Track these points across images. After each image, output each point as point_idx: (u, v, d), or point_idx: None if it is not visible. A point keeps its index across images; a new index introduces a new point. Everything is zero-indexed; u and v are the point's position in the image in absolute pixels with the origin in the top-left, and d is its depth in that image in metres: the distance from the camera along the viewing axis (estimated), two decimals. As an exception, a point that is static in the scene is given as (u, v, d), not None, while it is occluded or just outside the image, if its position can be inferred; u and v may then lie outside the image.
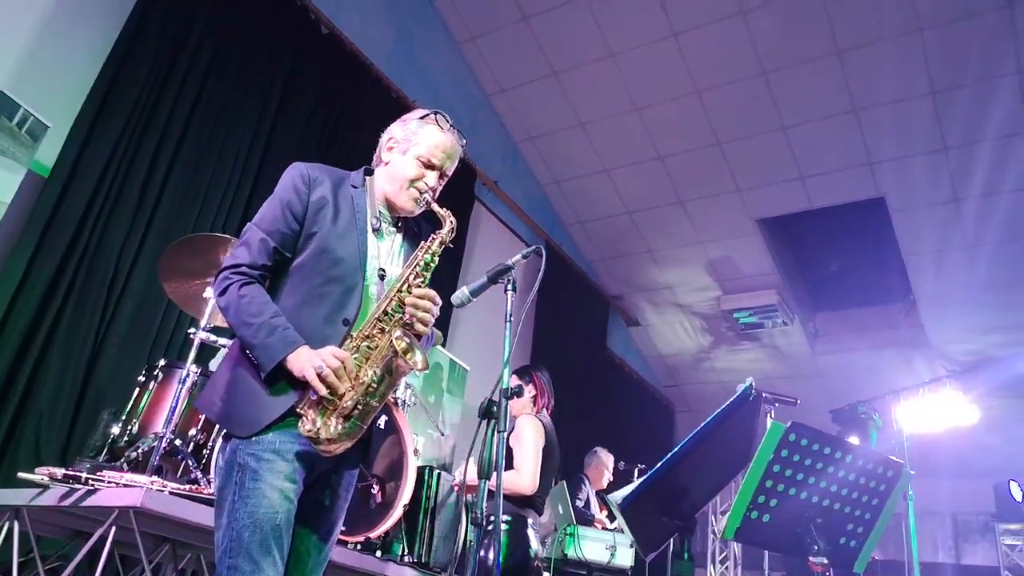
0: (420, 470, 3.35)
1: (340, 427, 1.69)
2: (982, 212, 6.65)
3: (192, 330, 3.13)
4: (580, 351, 7.94)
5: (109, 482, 2.32)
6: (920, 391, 6.07)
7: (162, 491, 2.28)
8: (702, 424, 1.59)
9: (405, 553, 3.17)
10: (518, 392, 1.64)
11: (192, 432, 3.03)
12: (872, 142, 6.46)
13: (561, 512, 3.84)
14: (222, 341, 3.22)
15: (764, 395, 2.77)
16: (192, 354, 3.07)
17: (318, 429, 1.68)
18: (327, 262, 1.87)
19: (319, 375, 1.69)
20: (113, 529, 2.25)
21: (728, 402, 1.61)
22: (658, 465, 1.52)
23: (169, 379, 3.13)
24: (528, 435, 3.50)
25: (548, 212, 8.05)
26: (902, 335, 7.83)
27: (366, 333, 1.80)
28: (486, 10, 6.58)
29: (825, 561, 1.88)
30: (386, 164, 2.07)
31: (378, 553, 3.10)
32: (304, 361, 1.72)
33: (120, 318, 3.98)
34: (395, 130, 2.11)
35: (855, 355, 8.18)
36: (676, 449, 1.55)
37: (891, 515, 2.05)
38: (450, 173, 2.10)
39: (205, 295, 3.19)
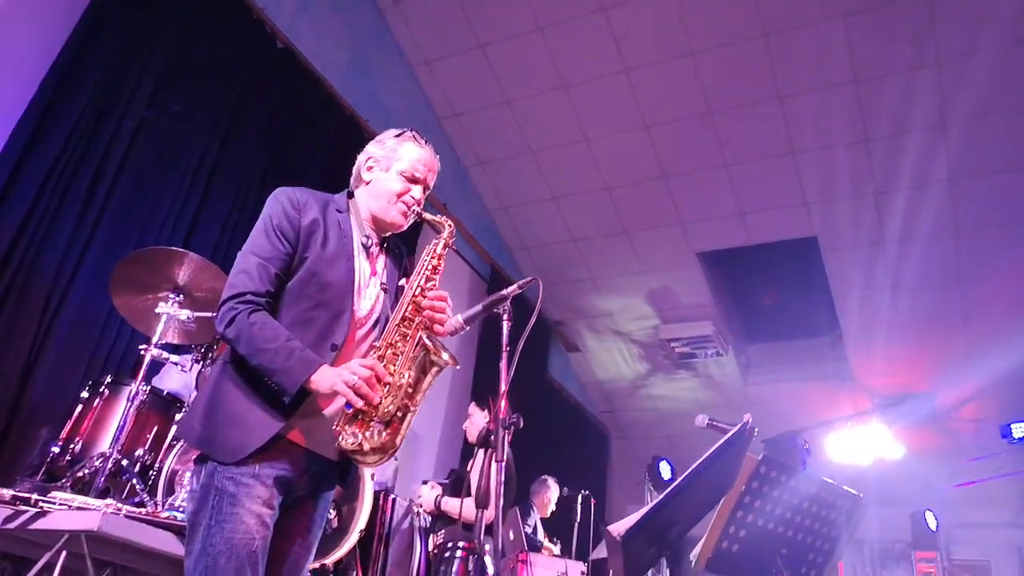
0: (375, 494, 3.31)
1: (384, 435, 1.70)
2: (905, 253, 7.04)
3: (143, 346, 3.03)
4: (521, 376, 7.95)
5: (61, 504, 2.22)
6: (848, 423, 6.33)
7: (117, 514, 2.20)
8: (703, 458, 1.65)
9: (358, 580, 3.12)
10: (516, 423, 1.67)
11: (139, 452, 2.93)
12: (808, 183, 6.77)
13: (512, 538, 3.85)
14: (173, 358, 3.13)
15: (720, 424, 2.85)
16: (142, 371, 2.96)
17: (361, 442, 1.69)
18: (316, 287, 1.87)
19: (351, 387, 1.68)
20: (63, 554, 2.15)
21: (727, 436, 1.68)
22: (660, 497, 1.56)
23: (116, 396, 3.03)
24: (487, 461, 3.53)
25: (495, 237, 8.11)
26: (829, 368, 8.17)
27: (390, 340, 1.82)
28: (442, 36, 6.64)
29: (789, 590, 1.96)
30: (367, 183, 2.09)
31: (329, 580, 3.04)
32: (332, 377, 1.72)
33: (56, 333, 3.81)
34: (373, 150, 2.14)
35: (784, 386, 8.48)
36: (678, 481, 1.60)
37: (848, 543, 2.14)
38: (431, 186, 2.14)
39: (157, 310, 3.10)
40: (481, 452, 1.67)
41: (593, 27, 6.21)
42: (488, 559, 3.20)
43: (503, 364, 1.81)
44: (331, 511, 2.96)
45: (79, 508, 2.19)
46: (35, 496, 2.24)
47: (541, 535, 5.10)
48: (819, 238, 7.11)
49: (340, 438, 1.73)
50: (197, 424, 1.79)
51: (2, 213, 3.62)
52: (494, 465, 1.63)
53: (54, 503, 2.23)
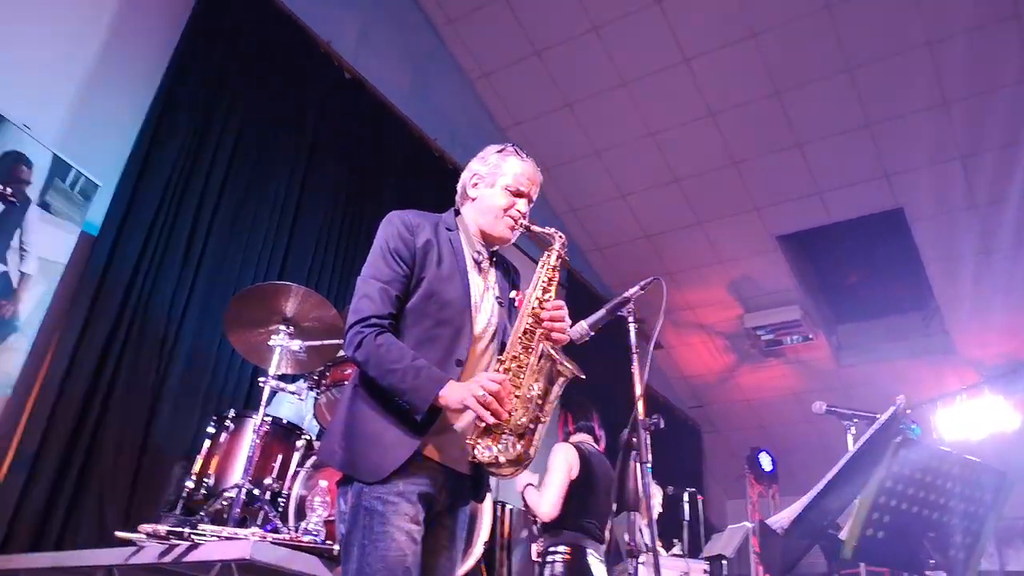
0: (493, 505, 3.37)
1: (518, 447, 1.73)
2: (997, 215, 6.75)
3: (262, 379, 3.16)
4: (607, 378, 7.95)
5: (211, 536, 2.35)
6: (957, 398, 6.09)
7: (264, 541, 2.31)
8: (859, 443, 1.63)
9: (486, 592, 3.18)
10: (656, 424, 1.68)
11: (267, 480, 3.05)
12: (887, 154, 6.57)
13: (627, 539, 3.83)
14: (289, 388, 3.25)
15: (839, 410, 2.81)
16: (263, 402, 3.10)
17: (496, 455, 1.73)
18: (435, 305, 1.92)
19: (481, 403, 1.73)
20: (217, 584, 2.27)
21: (883, 418, 1.65)
22: (819, 487, 1.56)
23: (240, 429, 3.16)
24: (555, 462, 3.57)
25: (567, 240, 8.12)
26: (927, 343, 7.89)
27: (513, 354, 1.86)
28: (497, 46, 6.72)
29: (943, 575, 1.92)
30: (473, 200, 2.15)
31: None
32: (461, 392, 1.76)
33: (174, 371, 4.02)
34: (476, 167, 2.19)
35: (881, 365, 8.22)
36: (836, 468, 1.59)
37: (996, 523, 2.08)
38: (535, 198, 2.18)
39: (271, 343, 3.22)
40: (622, 456, 1.67)
41: (648, 20, 6.18)
42: (592, 559, 3.20)
43: (635, 367, 1.82)
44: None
45: (228, 538, 2.31)
46: (187, 530, 2.36)
47: (649, 538, 5.07)
48: (905, 209, 6.88)
49: (475, 451, 1.77)
50: (337, 447, 1.86)
51: (114, 265, 3.83)
52: (638, 467, 1.64)
53: (205, 535, 2.35)
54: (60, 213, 3.57)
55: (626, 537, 4.07)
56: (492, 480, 4.96)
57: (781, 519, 1.54)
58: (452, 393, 1.77)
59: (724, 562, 5.09)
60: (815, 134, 6.60)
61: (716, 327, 8.68)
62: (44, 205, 3.51)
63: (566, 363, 1.82)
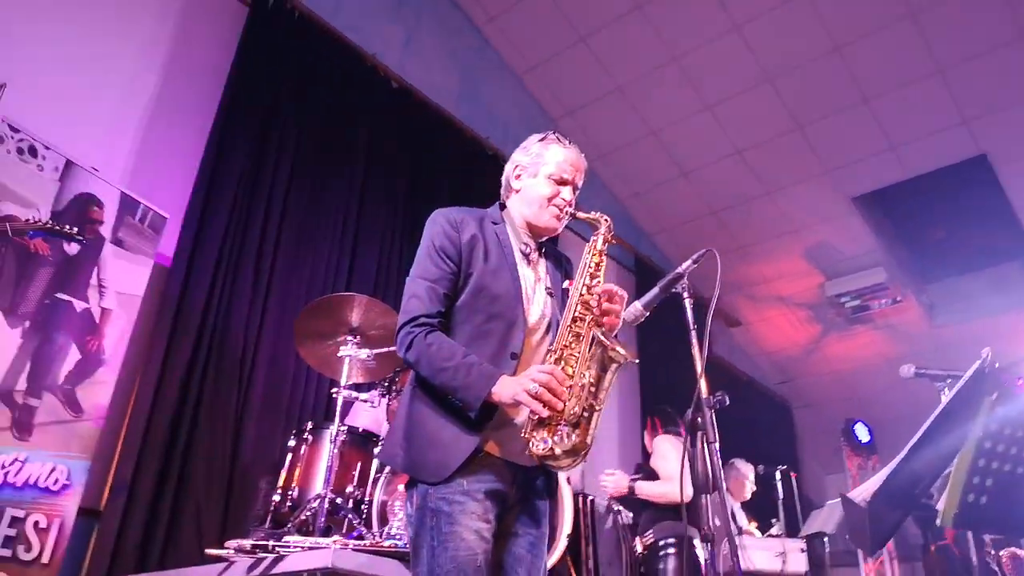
0: (574, 496, 3.33)
1: (573, 437, 1.70)
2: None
3: (334, 390, 3.21)
4: (684, 362, 7.77)
5: (295, 547, 2.39)
6: (1066, 349, 5.68)
7: (346, 549, 2.33)
8: (941, 406, 1.51)
9: (574, 584, 3.14)
10: (721, 402, 1.61)
11: (349, 488, 3.09)
12: (963, 99, 6.19)
13: (719, 524, 3.73)
14: (363, 396, 3.29)
15: (931, 372, 2.64)
16: (338, 413, 3.14)
17: (552, 447, 1.69)
18: (486, 300, 1.90)
19: (533, 396, 1.69)
20: (304, 593, 2.31)
21: (965, 378, 1.53)
22: (901, 454, 1.45)
23: (319, 440, 3.21)
24: (667, 448, 3.64)
25: (632, 225, 7.99)
26: (1027, 293, 7.41)
27: (564, 343, 1.82)
28: (541, 38, 6.65)
29: (1058, 535, 1.77)
30: (518, 192, 2.12)
31: (546, 588, 3.07)
32: (513, 387, 1.73)
33: (255, 390, 4.13)
34: (519, 157, 2.16)
35: (977, 322, 7.75)
36: (919, 434, 1.48)
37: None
38: (580, 186, 2.13)
39: (340, 354, 3.27)
40: (682, 439, 1.59)
41: (692, -9, 6.01)
42: (700, 551, 3.15)
43: (693, 344, 1.75)
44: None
45: (311, 548, 2.34)
46: (271, 543, 2.41)
47: (742, 520, 4.93)
48: (988, 156, 6.47)
49: (531, 444, 1.73)
50: (399, 449, 1.85)
51: (188, 294, 3.96)
52: (708, 447, 1.57)
53: (288, 547, 2.39)
54: (133, 248, 3.71)
55: (716, 521, 3.98)
56: (577, 472, 4.95)
57: (864, 491, 1.43)
58: (504, 389, 1.74)
59: (825, 539, 4.89)
60: (882, 87, 6.27)
61: (796, 298, 8.38)
62: (117, 242, 3.65)
63: (618, 348, 1.76)
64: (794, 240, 7.70)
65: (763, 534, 4.96)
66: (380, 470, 3.20)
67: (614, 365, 1.77)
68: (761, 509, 5.53)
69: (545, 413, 1.69)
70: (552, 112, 7.20)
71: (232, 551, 2.44)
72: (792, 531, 4.91)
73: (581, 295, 1.88)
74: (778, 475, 5.23)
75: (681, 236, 8.04)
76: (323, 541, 2.41)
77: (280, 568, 2.35)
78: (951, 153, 6.55)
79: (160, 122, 4.28)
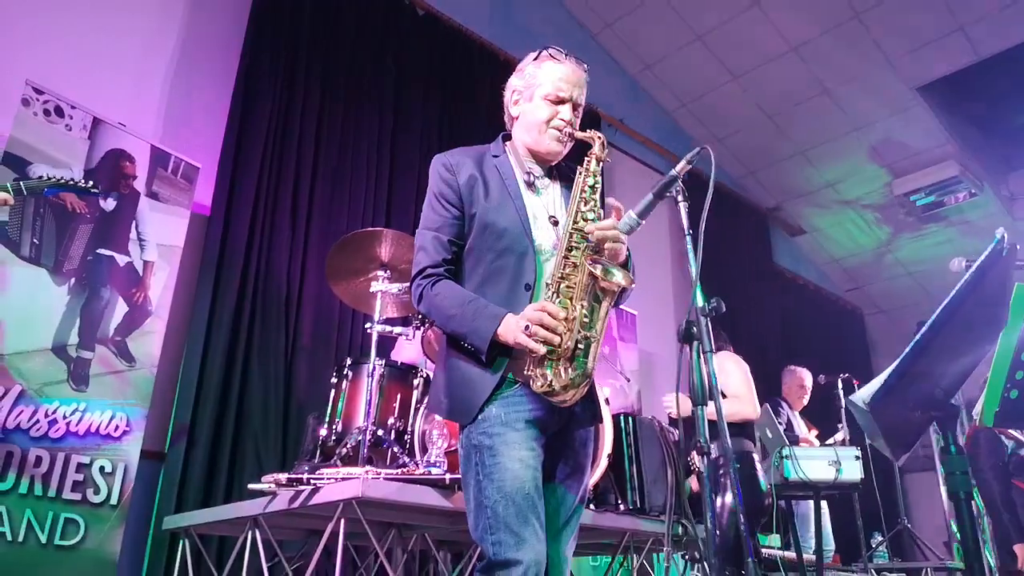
0: (615, 417, 3.28)
1: (570, 371, 1.66)
2: None
3: (368, 325, 3.22)
4: (746, 273, 7.57)
5: (328, 479, 2.43)
6: None
7: (377, 478, 2.35)
8: (950, 296, 1.37)
9: (619, 502, 3.12)
10: (717, 308, 1.50)
11: (391, 421, 3.12)
12: (1041, -36, 5.60)
13: (771, 436, 3.65)
14: (396, 331, 3.29)
15: (969, 263, 2.43)
16: (373, 348, 3.15)
17: (550, 382, 1.66)
18: (493, 236, 1.85)
19: (530, 335, 1.66)
20: (343, 521, 2.35)
21: (979, 262, 1.38)
22: (905, 351, 1.33)
23: (358, 376, 3.24)
24: (731, 366, 3.57)
25: (682, 138, 7.67)
26: (1120, 175, 6.82)
27: (560, 275, 1.75)
28: (573, -54, 6.32)
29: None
30: (516, 118, 2.02)
31: (592, 506, 3.07)
32: (512, 329, 1.71)
33: (302, 328, 4.21)
34: (514, 82, 2.05)
35: (1065, 211, 7.24)
36: (924, 329, 1.35)
37: None
38: (582, 102, 2.00)
39: (372, 289, 3.26)
40: (686, 348, 1.50)
41: None
42: (759, 468, 3.14)
43: (689, 248, 1.64)
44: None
45: (344, 479, 2.38)
46: (306, 475, 2.46)
47: (801, 429, 4.81)
48: (1071, 25, 5.87)
49: (531, 382, 1.70)
50: (442, 397, 1.86)
51: (230, 241, 4.02)
52: (703, 356, 1.47)
53: (323, 478, 2.43)
54: (168, 200, 3.76)
55: (768, 433, 3.89)
56: (635, 393, 4.85)
57: (864, 392, 1.31)
58: (507, 330, 1.70)
59: (892, 446, 4.72)
60: (947, -40, 5.73)
61: (863, 200, 7.95)
62: (152, 195, 3.70)
63: (612, 276, 1.66)
64: (856, 139, 7.25)
65: (823, 443, 4.83)
66: (420, 401, 3.22)
67: (609, 294, 1.68)
68: (822, 419, 5.38)
69: (541, 351, 1.65)
70: (591, 26, 6.90)
71: (272, 485, 2.50)
72: (857, 439, 4.76)
73: (575, 222, 1.79)
74: (839, 383, 5.05)
75: (735, 144, 7.70)
76: (356, 471, 2.44)
77: (317, 499, 2.40)
78: (1027, 28, 5.97)
79: (185, 72, 4.28)
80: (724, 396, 3.52)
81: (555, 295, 1.73)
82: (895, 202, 7.61)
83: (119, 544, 3.24)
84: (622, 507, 3.10)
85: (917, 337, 1.34)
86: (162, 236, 3.71)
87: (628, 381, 4.73)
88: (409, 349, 3.88)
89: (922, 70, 6.53)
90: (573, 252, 1.76)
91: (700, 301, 1.52)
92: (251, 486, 2.59)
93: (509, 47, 5.97)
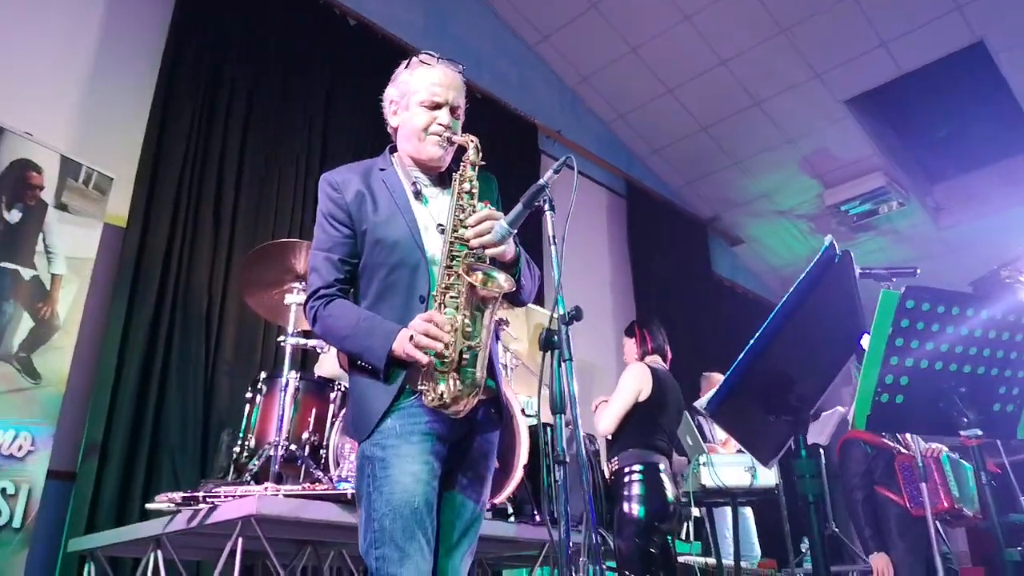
0: (532, 428, 3.28)
1: (457, 383, 1.65)
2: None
3: (281, 338, 3.16)
4: (685, 283, 7.66)
5: (225, 496, 2.36)
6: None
7: (276, 495, 2.30)
8: (782, 299, 1.39)
9: (535, 512, 3.11)
10: (576, 316, 1.50)
11: (305, 435, 3.07)
12: (955, -17, 5.80)
13: (691, 443, 3.69)
14: (311, 343, 3.24)
15: (875, 271, 2.50)
16: (287, 361, 3.09)
17: (441, 394, 1.65)
18: (384, 251, 1.84)
19: (416, 345, 1.65)
20: (240, 540, 2.29)
21: (808, 268, 1.39)
22: (739, 357, 1.34)
23: (272, 390, 3.18)
24: (625, 381, 3.62)
25: (620, 149, 7.76)
26: (1036, 187, 7.08)
27: (444, 285, 1.75)
28: (509, -41, 6.35)
29: (980, 433, 1.66)
30: (397, 129, 2.01)
31: (511, 518, 3.05)
32: (403, 341, 1.69)
33: (224, 341, 4.11)
34: (389, 92, 2.04)
35: (987, 221, 7.47)
36: (757, 334, 1.36)
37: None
38: (461, 105, 1.98)
39: (287, 302, 3.20)
40: (547, 356, 1.50)
41: None
42: (664, 477, 3.16)
43: (554, 256, 1.63)
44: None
45: (241, 496, 2.32)
46: (202, 493, 2.39)
47: (717, 433, 4.85)
48: (986, 40, 6.09)
49: (424, 397, 1.69)
50: (350, 414, 1.85)
51: (148, 253, 3.91)
52: (563, 365, 1.47)
53: (219, 496, 2.37)
54: (79, 211, 3.64)
55: (689, 441, 3.91)
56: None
57: (704, 399, 1.32)
58: (400, 345, 1.69)
59: (821, 450, 4.81)
60: (867, -22, 5.90)
61: (797, 210, 8.13)
62: (61, 207, 3.58)
63: (491, 282, 1.66)
64: (789, 151, 7.41)
65: (726, 451, 4.87)
66: (336, 415, 3.17)
67: (491, 301, 1.67)
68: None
69: (425, 361, 1.65)
70: (527, 37, 6.94)
71: (166, 504, 2.43)
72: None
73: (454, 230, 1.78)
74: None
75: (672, 155, 7.80)
76: (255, 489, 2.38)
77: (214, 518, 2.33)
78: (945, 43, 6.17)
79: (102, 78, 4.16)
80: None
81: (441, 306, 1.72)
82: (828, 212, 7.78)
83: (23, 569, 3.10)
84: (538, 518, 3.09)
85: (749, 344, 1.35)
86: (72, 249, 3.58)
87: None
88: (330, 363, 3.82)
89: (848, 84, 6.70)
90: (455, 261, 1.75)
91: (561, 309, 1.51)
92: (148, 505, 2.51)
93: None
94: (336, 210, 1.88)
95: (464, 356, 1.66)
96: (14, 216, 3.43)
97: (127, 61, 4.29)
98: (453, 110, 1.94)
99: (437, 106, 1.91)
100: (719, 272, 8.45)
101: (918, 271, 2.50)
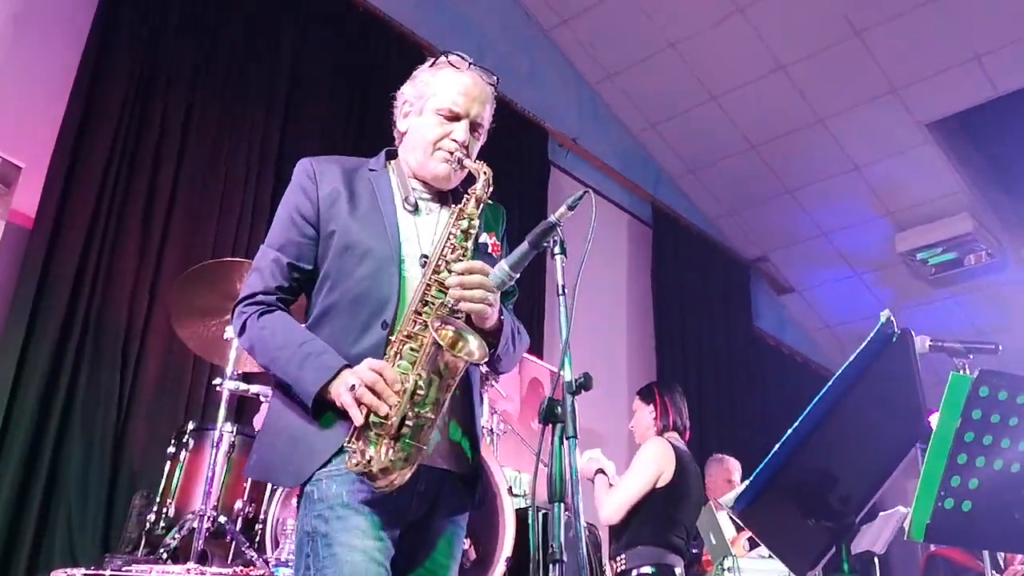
0: (521, 513, 3.33)
1: (391, 452, 1.65)
2: None
3: (217, 381, 3.22)
4: (718, 337, 7.77)
5: (138, 576, 2.41)
6: None
7: (199, 580, 2.35)
8: (827, 385, 1.46)
9: (519, 618, 3.16)
10: (585, 385, 1.56)
11: (238, 505, 3.12)
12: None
13: (715, 543, 3.72)
14: (254, 390, 3.29)
15: (947, 345, 2.58)
16: (222, 410, 3.15)
17: (368, 460, 1.65)
18: (354, 258, 1.88)
19: (356, 398, 1.68)
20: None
21: (860, 347, 1.47)
22: (775, 448, 1.40)
23: (202, 445, 3.24)
24: (644, 459, 3.65)
25: (648, 165, 7.90)
26: None
27: (407, 333, 1.78)
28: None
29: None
30: (404, 134, 2.08)
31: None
32: (340, 387, 1.72)
33: (144, 380, 4.15)
34: (406, 91, 2.10)
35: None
36: (796, 424, 1.43)
37: None
38: (484, 122, 2.05)
39: (226, 336, 3.27)
40: (547, 430, 1.54)
41: None
42: None
43: (561, 309, 1.70)
44: (465, 542, 3.00)
45: (156, 578, 2.37)
46: (107, 573, 2.44)
47: (731, 530, 4.89)
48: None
49: (348, 459, 1.69)
50: (254, 452, 1.86)
51: (57, 260, 3.97)
52: (566, 443, 1.53)
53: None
54: (-23, 205, 3.73)
55: (713, 540, 3.98)
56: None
57: (730, 496, 1.38)
58: (336, 389, 1.71)
59: (875, 559, 4.88)
60: (963, -19, 6.08)
61: (862, 256, 8.26)
62: (-45, 198, 3.67)
63: (463, 343, 1.71)
64: (854, 180, 7.56)
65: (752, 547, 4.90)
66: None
67: (458, 366, 1.71)
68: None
69: (359, 419, 1.67)
70: (543, 21, 7.08)
71: (64, 582, 2.47)
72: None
73: (436, 271, 1.83)
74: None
75: (712, 177, 7.94)
76: (172, 569, 2.43)
77: (121, 604, 2.38)
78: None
79: (16, 53, 4.23)
80: None
81: (397, 356, 1.76)
82: (899, 259, 7.91)
83: None
84: (522, 624, 3.13)
85: (785, 435, 1.43)
86: (-37, 251, 3.66)
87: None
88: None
89: (933, 103, 6.87)
90: (428, 308, 1.80)
91: (568, 375, 1.58)
92: (41, 582, 2.55)
93: (437, 39, 5.96)
94: (304, 201, 1.93)
95: (407, 423, 1.67)
96: None
97: (48, 28, 4.38)
98: (474, 127, 2.01)
99: (456, 117, 1.98)
100: (761, 326, 8.56)
101: (1000, 348, 2.58)
